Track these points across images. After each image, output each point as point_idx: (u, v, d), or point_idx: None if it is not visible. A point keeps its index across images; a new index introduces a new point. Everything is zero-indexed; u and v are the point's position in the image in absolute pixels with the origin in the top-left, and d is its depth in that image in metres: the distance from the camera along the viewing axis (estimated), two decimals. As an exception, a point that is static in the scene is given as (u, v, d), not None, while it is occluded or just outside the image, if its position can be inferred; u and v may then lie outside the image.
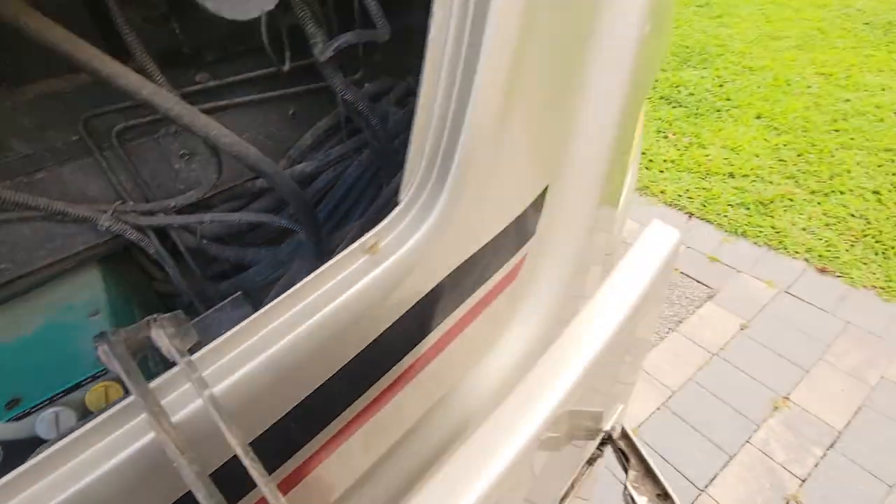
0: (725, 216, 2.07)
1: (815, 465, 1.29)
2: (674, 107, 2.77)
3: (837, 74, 2.80)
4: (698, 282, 1.84)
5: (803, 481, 1.27)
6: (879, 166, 2.16)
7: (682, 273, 1.88)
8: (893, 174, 2.11)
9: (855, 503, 1.21)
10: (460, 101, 0.35)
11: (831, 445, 1.33)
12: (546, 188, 0.48)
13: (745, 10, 3.79)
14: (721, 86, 2.88)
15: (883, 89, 2.64)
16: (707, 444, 1.36)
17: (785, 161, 2.28)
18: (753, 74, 2.95)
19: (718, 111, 2.68)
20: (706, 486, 1.28)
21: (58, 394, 0.46)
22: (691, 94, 2.84)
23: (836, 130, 2.40)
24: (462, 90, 0.35)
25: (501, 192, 0.42)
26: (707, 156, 2.38)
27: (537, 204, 0.47)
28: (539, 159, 0.46)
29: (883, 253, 1.80)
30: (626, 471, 0.68)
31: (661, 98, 2.86)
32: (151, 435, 0.27)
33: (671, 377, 1.53)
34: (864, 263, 1.78)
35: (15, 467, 0.26)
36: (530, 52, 0.36)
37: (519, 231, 0.47)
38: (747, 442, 1.36)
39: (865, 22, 3.36)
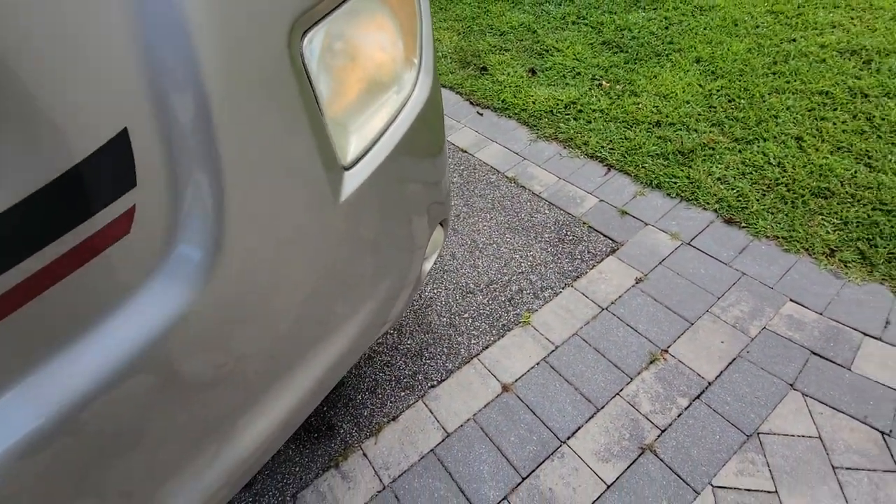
0: (644, 167, 2.00)
1: (678, 416, 1.30)
2: (614, 52, 2.63)
3: (788, 12, 2.64)
4: (605, 236, 1.80)
5: (662, 431, 1.28)
6: (810, 110, 2.06)
7: (589, 227, 1.84)
8: (821, 118, 2.01)
9: (707, 451, 1.23)
10: None
11: (698, 396, 1.33)
12: (124, 130, 0.43)
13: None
14: (667, 28, 2.73)
15: (833, 27, 2.49)
16: (578, 396, 1.37)
17: (715, 108, 2.18)
18: (703, 15, 2.78)
19: (658, 56, 2.54)
20: (568, 438, 1.29)
21: None
22: (634, 38, 2.69)
23: (774, 73, 2.28)
24: None
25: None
26: (637, 103, 2.28)
27: (113, 150, 0.43)
28: (96, 98, 0.42)
29: (792, 202, 1.74)
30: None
31: (603, 43, 2.71)
32: None
33: (557, 333, 1.53)
34: (772, 213, 1.73)
35: None
36: None
37: (94, 182, 0.43)
38: (617, 394, 1.36)
39: (833, -47, 3.13)
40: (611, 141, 2.14)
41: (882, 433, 1.21)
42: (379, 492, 1.25)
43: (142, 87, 0.44)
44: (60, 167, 0.42)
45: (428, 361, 1.51)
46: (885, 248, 1.56)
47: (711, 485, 1.18)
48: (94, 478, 0.53)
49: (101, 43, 0.42)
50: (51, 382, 0.47)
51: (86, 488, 0.53)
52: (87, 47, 0.41)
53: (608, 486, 1.20)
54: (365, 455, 1.32)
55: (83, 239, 0.46)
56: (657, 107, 2.23)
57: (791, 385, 1.32)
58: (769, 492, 1.15)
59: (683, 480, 1.19)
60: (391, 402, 1.42)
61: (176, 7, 0.44)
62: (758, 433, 1.25)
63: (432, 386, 1.45)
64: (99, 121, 0.43)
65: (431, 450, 1.31)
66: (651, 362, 1.42)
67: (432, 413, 1.39)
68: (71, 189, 0.43)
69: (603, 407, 1.35)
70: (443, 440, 1.33)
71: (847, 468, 1.17)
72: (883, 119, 1.95)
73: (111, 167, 0.45)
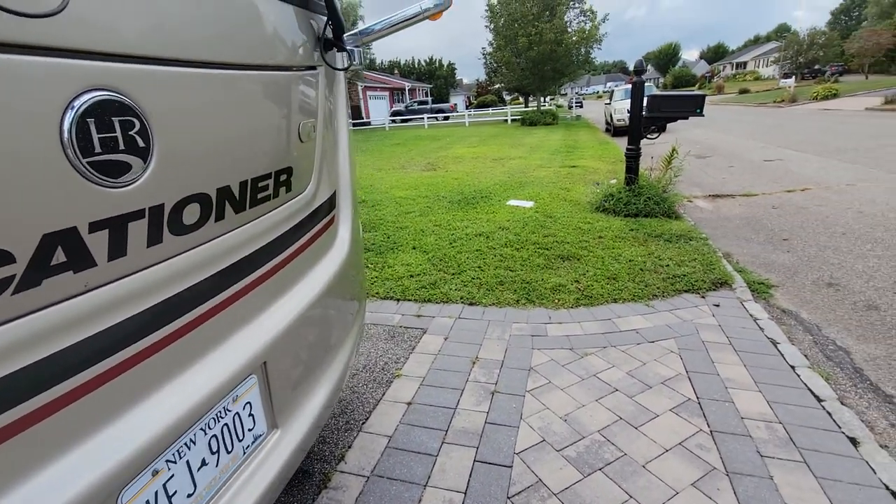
0: (417, 295, 3.34)
1: (492, 395, 2.39)
2: (367, 252, 4.16)
3: (444, 224, 4.87)
4: (415, 328, 2.93)
5: (493, 393, 2.33)
6: (477, 258, 3.97)
7: (404, 327, 2.94)
8: (483, 259, 3.93)
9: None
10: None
11: (499, 369, 2.48)
12: (336, 191, 1.42)
13: (385, 204, 5.94)
14: (388, 237, 4.51)
15: (468, 227, 4.79)
16: (441, 410, 2.29)
17: (435, 264, 3.85)
18: (403, 230, 4.74)
19: (392, 249, 4.20)
20: (455, 406, 2.17)
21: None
22: (373, 244, 4.32)
23: (453, 246, 4.22)
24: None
25: (328, 183, 1.35)
26: (395, 271, 3.73)
27: (335, 195, 1.40)
28: (332, 178, 1.41)
29: (490, 289, 3.37)
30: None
31: (356, 249, 4.23)
32: None
33: (418, 373, 2.45)
34: (486, 296, 3.29)
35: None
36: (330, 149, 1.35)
37: (331, 204, 1.38)
38: (461, 390, 2.36)
39: (449, 201, 5.90)
40: (391, 288, 3.44)
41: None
42: (367, 478, 1.76)
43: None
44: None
45: (348, 420, 2.14)
46: (534, 294, 3.28)
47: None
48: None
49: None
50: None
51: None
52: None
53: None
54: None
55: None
56: (406, 268, 3.74)
57: (532, 348, 2.65)
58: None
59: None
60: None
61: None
62: (530, 369, 2.46)
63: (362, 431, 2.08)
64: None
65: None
66: (473, 364, 2.51)
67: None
68: (330, 203, 1.36)
69: (457, 405, 2.30)
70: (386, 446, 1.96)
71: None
72: (504, 255, 4.00)
73: (333, 200, 1.39)
